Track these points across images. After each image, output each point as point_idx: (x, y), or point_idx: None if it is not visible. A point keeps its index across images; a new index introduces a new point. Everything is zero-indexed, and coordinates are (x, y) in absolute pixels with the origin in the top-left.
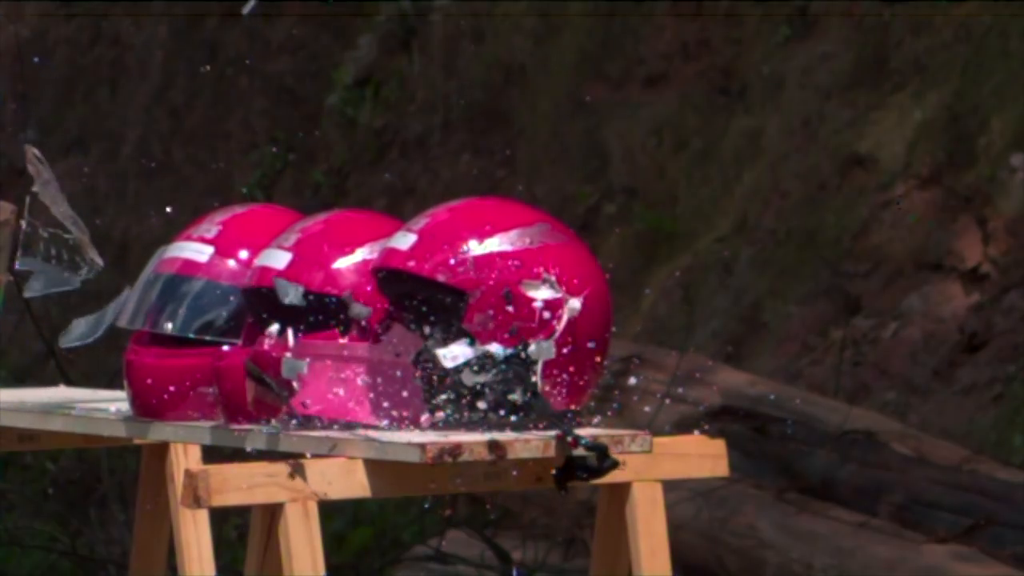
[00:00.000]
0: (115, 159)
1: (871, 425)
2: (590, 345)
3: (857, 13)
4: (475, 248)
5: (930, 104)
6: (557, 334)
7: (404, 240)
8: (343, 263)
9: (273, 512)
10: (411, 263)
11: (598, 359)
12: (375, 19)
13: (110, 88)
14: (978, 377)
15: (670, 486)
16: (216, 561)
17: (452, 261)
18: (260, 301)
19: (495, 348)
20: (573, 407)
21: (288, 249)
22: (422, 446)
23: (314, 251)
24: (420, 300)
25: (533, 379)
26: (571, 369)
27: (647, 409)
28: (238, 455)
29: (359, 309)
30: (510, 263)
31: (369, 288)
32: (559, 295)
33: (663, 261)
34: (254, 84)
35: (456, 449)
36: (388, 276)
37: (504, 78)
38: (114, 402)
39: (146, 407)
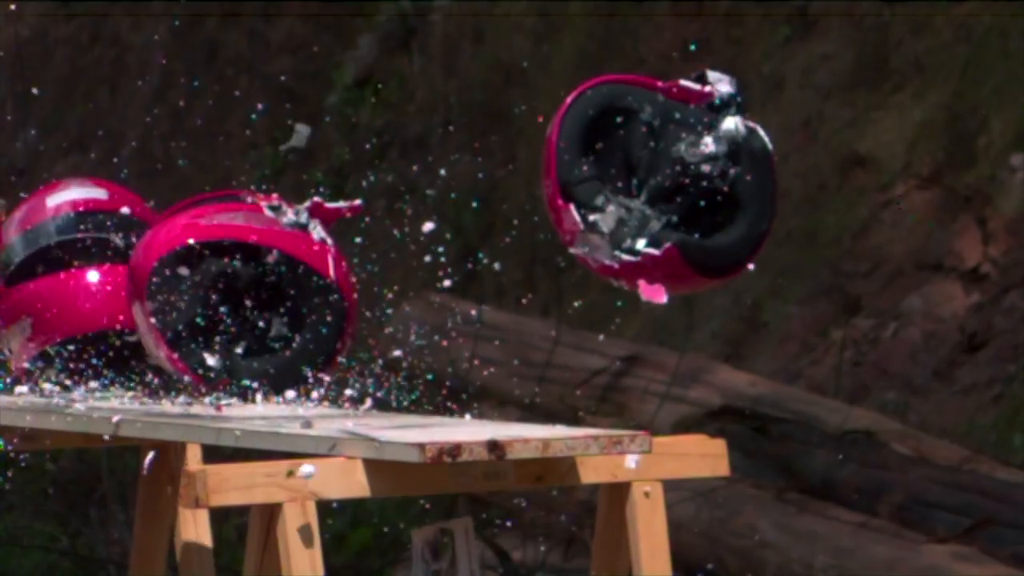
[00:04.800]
0: (115, 159)
1: (871, 425)
2: None
3: (857, 13)
4: None
5: (930, 104)
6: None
7: None
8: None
9: (272, 512)
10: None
11: None
12: (375, 19)
13: (110, 88)
14: (978, 377)
15: (670, 486)
16: (216, 561)
17: None
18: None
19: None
20: None
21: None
22: (421, 446)
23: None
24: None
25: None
26: None
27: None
28: (239, 454)
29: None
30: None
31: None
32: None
33: None
34: (254, 84)
35: (456, 449)
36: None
37: (504, 78)
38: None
39: None
